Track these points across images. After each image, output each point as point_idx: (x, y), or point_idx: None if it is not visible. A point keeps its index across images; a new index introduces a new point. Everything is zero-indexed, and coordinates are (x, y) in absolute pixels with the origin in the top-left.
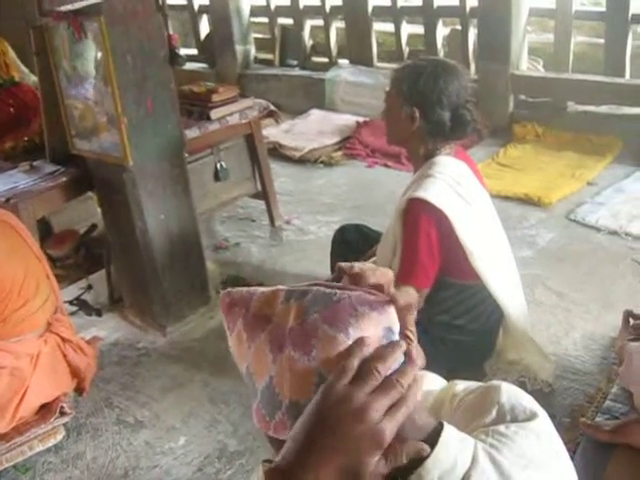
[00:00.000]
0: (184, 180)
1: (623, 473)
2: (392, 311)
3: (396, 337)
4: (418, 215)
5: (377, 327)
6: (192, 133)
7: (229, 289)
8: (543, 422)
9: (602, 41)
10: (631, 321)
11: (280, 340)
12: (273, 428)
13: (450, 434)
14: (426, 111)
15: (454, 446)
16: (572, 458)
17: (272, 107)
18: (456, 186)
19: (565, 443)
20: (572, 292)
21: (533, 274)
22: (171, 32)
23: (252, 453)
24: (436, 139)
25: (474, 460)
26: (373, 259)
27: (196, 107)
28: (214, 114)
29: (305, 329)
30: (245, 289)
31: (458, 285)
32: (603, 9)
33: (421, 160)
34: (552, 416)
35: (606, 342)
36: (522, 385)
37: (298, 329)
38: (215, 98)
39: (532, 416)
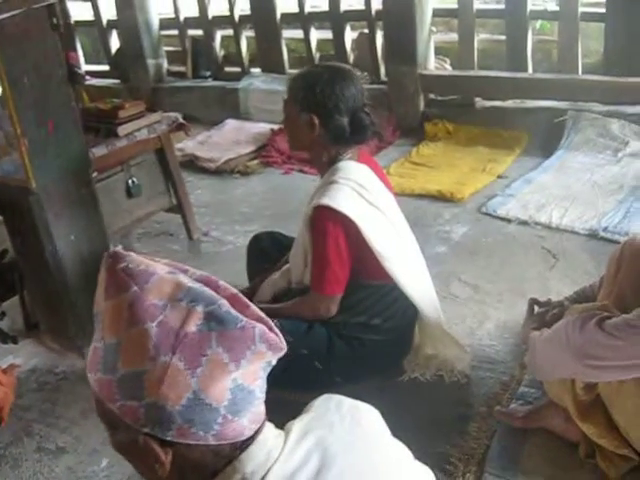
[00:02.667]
0: (93, 199)
1: (538, 456)
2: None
3: (268, 370)
4: (324, 222)
5: (262, 362)
6: (100, 151)
7: (123, 252)
8: None
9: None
10: (536, 308)
11: (172, 340)
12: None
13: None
14: (324, 118)
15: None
16: (489, 446)
17: (181, 120)
18: (361, 190)
19: (482, 431)
20: (486, 284)
21: (448, 269)
22: (79, 49)
23: None
24: (338, 145)
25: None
26: (286, 266)
27: (103, 124)
28: (121, 130)
29: (200, 342)
30: (145, 263)
31: (371, 286)
32: (503, 6)
33: (325, 166)
34: (469, 406)
35: (519, 330)
36: (440, 378)
37: (194, 338)
38: (122, 114)
39: None
